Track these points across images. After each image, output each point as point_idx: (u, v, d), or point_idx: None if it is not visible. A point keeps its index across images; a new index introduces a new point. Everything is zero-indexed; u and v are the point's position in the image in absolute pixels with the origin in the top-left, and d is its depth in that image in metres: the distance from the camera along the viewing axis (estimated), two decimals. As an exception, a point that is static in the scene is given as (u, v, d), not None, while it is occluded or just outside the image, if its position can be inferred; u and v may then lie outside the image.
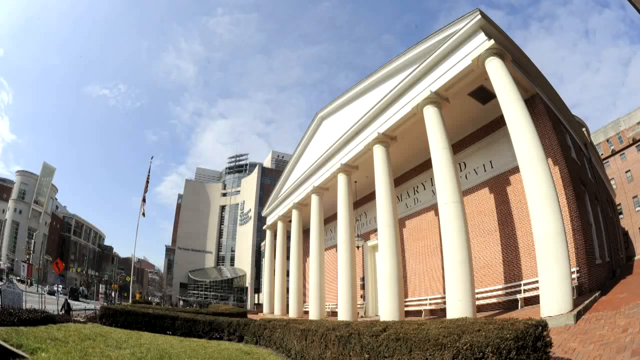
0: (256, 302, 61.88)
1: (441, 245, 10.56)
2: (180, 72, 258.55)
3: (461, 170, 14.32)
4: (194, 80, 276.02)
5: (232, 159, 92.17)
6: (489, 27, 10.42)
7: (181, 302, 63.29)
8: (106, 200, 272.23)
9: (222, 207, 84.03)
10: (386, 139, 14.07)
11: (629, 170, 39.45)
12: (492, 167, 13.37)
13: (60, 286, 40.75)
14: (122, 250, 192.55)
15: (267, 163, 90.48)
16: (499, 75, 9.96)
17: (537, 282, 8.95)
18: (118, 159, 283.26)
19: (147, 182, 23.55)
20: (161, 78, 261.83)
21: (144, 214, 23.30)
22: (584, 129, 21.01)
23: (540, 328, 3.51)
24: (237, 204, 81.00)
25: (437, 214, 13.93)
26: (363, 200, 20.57)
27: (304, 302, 23.60)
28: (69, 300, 16.49)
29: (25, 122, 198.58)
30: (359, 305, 18.32)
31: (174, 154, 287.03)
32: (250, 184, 77.87)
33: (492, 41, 9.99)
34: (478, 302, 11.00)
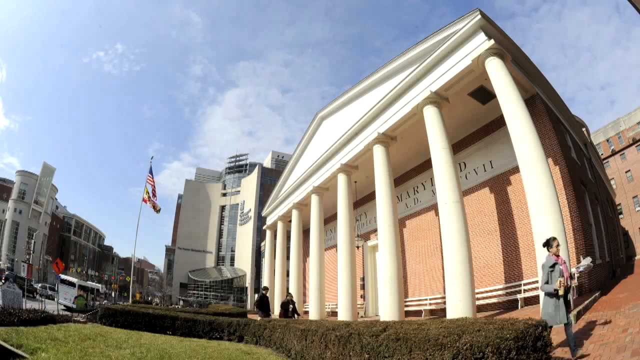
0: (256, 302, 61.80)
1: (441, 245, 10.56)
2: (186, 27, 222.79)
3: (461, 170, 14.31)
4: (201, 38, 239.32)
5: (232, 159, 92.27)
6: (489, 27, 10.43)
7: (181, 302, 63.26)
8: (104, 195, 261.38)
9: (222, 207, 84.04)
10: (386, 139, 14.07)
11: (629, 170, 39.45)
12: (492, 167, 13.37)
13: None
14: (122, 250, 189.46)
15: (267, 163, 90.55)
16: (499, 75, 9.96)
17: (537, 282, 8.95)
18: (114, 145, 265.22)
19: (152, 184, 23.22)
20: (164, 34, 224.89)
21: (157, 209, 22.77)
22: (584, 129, 21.02)
23: (540, 328, 3.51)
24: (237, 204, 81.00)
25: (437, 214, 13.93)
26: (363, 200, 20.57)
27: (304, 302, 23.60)
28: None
29: (19, 103, 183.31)
30: (359, 305, 18.32)
31: (175, 135, 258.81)
32: (250, 184, 77.87)
33: (492, 41, 9.99)
34: (478, 302, 11.00)
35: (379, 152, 14.03)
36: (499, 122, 12.28)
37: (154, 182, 22.70)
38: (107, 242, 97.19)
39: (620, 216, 36.23)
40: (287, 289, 23.80)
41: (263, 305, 12.64)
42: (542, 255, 8.06)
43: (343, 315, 14.59)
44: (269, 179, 71.99)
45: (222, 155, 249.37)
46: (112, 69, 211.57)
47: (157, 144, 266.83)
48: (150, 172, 22.85)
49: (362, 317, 18.16)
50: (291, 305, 12.44)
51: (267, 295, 13.43)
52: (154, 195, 22.58)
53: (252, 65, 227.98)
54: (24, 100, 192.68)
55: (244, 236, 74.45)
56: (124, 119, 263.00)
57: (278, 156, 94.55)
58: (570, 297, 5.80)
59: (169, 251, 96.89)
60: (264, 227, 29.86)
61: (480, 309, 11.36)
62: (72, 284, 24.83)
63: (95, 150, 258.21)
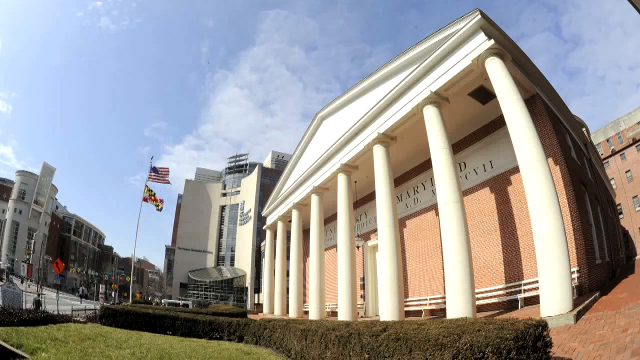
0: (256, 302, 61.84)
1: (441, 245, 10.56)
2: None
3: (461, 170, 14.31)
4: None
5: (232, 159, 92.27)
6: (489, 27, 10.43)
7: (181, 303, 63.24)
8: (101, 189, 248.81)
9: (222, 207, 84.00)
10: (386, 139, 14.06)
11: (629, 170, 39.45)
12: (492, 167, 13.37)
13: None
14: (122, 250, 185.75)
15: (267, 163, 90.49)
16: (499, 75, 9.96)
17: (537, 282, 8.95)
18: (110, 127, 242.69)
19: (155, 181, 22.99)
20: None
21: (159, 207, 22.71)
22: (584, 129, 21.02)
23: (540, 328, 3.51)
24: (237, 204, 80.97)
25: (437, 214, 13.93)
26: (363, 200, 20.57)
27: (304, 302, 23.59)
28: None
29: (5, 79, 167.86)
30: (359, 305, 18.31)
31: (178, 111, 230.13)
32: (250, 184, 77.84)
33: (492, 41, 9.99)
34: (478, 302, 11.00)
35: (379, 152, 14.02)
36: (499, 122, 12.28)
37: (157, 177, 22.50)
38: (107, 242, 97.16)
39: (620, 216, 36.23)
40: (287, 289, 23.84)
41: None
42: (542, 255, 8.08)
43: (343, 315, 14.59)
44: (269, 179, 71.96)
45: (227, 135, 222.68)
46: (110, 24, 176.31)
47: (157, 122, 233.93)
48: (152, 171, 22.80)
49: (362, 317, 18.16)
50: None
51: None
52: (166, 174, 22.18)
53: (275, 13, 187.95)
54: (10, 75, 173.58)
55: (244, 236, 74.41)
56: (120, 93, 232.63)
57: (278, 156, 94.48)
58: None
59: (169, 251, 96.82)
60: (264, 227, 29.85)
61: (480, 309, 11.36)
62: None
63: (90, 133, 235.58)
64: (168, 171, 22.79)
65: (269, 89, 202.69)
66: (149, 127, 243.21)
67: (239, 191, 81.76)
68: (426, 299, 14.79)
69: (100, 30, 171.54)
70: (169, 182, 22.87)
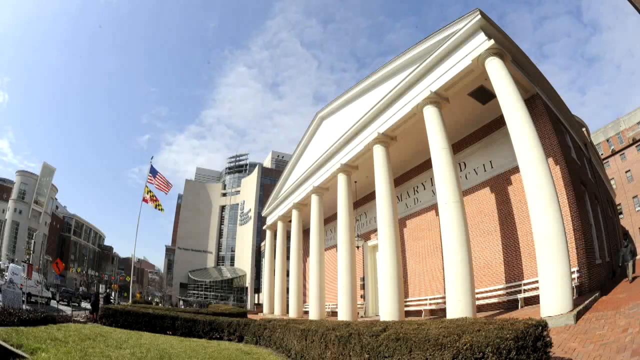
0: (256, 302, 61.86)
1: (441, 245, 10.55)
2: None
3: (461, 170, 14.31)
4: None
5: (232, 159, 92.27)
6: (489, 27, 10.43)
7: (181, 302, 63.29)
8: (100, 183, 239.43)
9: (222, 207, 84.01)
10: (386, 139, 14.06)
11: (629, 170, 39.45)
12: (492, 167, 13.37)
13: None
14: (122, 250, 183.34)
15: (267, 163, 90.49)
16: (499, 75, 9.96)
17: (537, 282, 8.95)
18: (107, 115, 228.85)
19: (154, 183, 22.93)
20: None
21: (161, 208, 22.68)
22: (583, 129, 21.02)
23: (540, 328, 3.51)
24: (237, 204, 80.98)
25: (437, 214, 13.93)
26: (363, 200, 20.57)
27: (304, 302, 23.59)
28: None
29: (7, 67, 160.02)
30: (359, 305, 18.31)
31: (181, 93, 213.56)
32: (250, 184, 77.86)
33: (492, 41, 9.99)
34: (478, 302, 11.00)
35: (379, 152, 14.02)
36: (499, 122, 12.28)
37: (158, 180, 22.47)
38: (107, 242, 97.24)
39: (620, 216, 36.22)
40: (287, 289, 23.84)
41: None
42: (542, 255, 8.08)
43: (343, 315, 14.59)
44: (269, 179, 71.99)
45: (231, 121, 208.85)
46: None
47: (156, 107, 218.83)
48: (151, 172, 22.77)
49: (362, 317, 18.16)
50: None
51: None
52: (166, 185, 22.38)
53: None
54: (3, 58, 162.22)
55: (244, 236, 74.42)
56: (117, 76, 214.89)
57: (278, 156, 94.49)
58: None
59: (169, 251, 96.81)
60: (264, 227, 29.85)
61: (480, 309, 11.36)
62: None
63: (88, 121, 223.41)
64: (167, 184, 22.82)
65: (280, 67, 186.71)
66: (148, 113, 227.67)
67: (239, 191, 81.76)
68: (426, 299, 14.79)
69: (100, 5, 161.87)
70: (166, 192, 23.04)
